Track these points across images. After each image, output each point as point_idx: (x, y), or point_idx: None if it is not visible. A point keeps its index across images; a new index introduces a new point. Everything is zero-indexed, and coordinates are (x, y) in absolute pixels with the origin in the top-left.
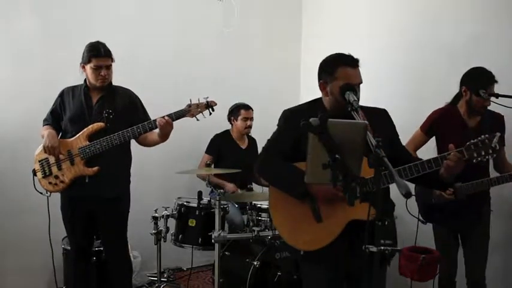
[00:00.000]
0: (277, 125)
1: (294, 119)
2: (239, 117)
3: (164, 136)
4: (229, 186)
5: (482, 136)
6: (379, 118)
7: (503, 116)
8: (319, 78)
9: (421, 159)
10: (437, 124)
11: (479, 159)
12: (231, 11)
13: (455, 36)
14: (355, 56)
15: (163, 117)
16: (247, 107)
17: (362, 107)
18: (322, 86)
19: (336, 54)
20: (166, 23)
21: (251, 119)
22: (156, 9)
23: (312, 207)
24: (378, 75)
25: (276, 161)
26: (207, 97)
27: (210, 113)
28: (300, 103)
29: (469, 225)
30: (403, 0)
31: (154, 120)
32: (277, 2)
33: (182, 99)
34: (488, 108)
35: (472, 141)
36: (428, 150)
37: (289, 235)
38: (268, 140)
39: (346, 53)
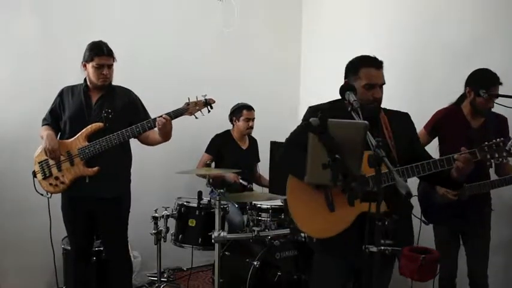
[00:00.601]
0: (302, 119)
1: (315, 114)
2: (241, 118)
3: (165, 135)
4: (230, 175)
5: (497, 139)
6: (402, 121)
7: (506, 118)
8: (345, 78)
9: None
10: (441, 124)
11: (492, 161)
12: (231, 11)
13: (456, 36)
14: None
15: (161, 116)
16: (250, 108)
17: (385, 109)
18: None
19: (362, 55)
20: (166, 23)
21: (253, 119)
22: (156, 9)
23: (325, 196)
24: None
25: (295, 151)
26: (205, 95)
27: (209, 111)
28: (300, 103)
29: (471, 225)
30: (405, 0)
31: (154, 119)
32: (277, 1)
33: (182, 99)
34: (492, 109)
35: (486, 143)
36: (430, 150)
37: (303, 223)
38: (291, 132)
39: (372, 55)
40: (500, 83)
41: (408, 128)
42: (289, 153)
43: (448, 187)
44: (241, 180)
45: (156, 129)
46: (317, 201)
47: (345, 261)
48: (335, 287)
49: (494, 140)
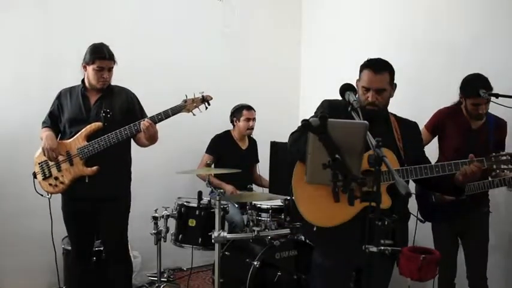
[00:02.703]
0: (315, 112)
1: (328, 108)
2: (241, 118)
3: (150, 138)
4: (228, 188)
5: (504, 151)
6: (410, 129)
7: (506, 122)
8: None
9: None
10: (442, 123)
11: (497, 171)
12: (231, 11)
13: (456, 36)
14: (356, 57)
15: (158, 114)
16: (250, 108)
17: (395, 116)
18: (356, 84)
19: (369, 58)
20: (166, 22)
21: (253, 119)
22: (156, 9)
23: (332, 186)
24: None
25: (304, 136)
26: (202, 92)
27: (206, 108)
28: (300, 104)
29: (469, 225)
30: (405, 1)
31: (152, 117)
32: (277, 1)
33: (181, 98)
34: (493, 112)
35: (493, 153)
36: (430, 150)
37: (307, 210)
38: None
39: (376, 58)
40: (491, 88)
41: (416, 137)
42: (297, 141)
43: (449, 193)
44: (237, 192)
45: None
46: (323, 189)
47: (345, 255)
48: (337, 284)
49: (501, 152)
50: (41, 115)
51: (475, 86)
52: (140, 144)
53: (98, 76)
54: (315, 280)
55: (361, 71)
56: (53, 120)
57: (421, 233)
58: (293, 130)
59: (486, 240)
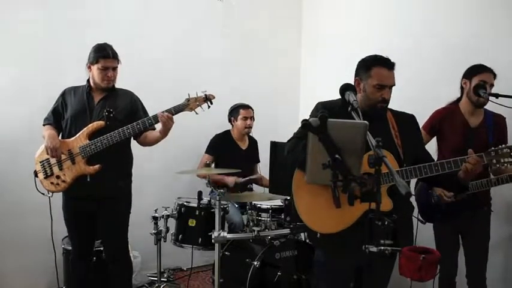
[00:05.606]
0: (310, 115)
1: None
2: (239, 117)
3: (165, 132)
4: (230, 179)
5: (503, 145)
6: (408, 122)
7: (505, 118)
8: (356, 75)
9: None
10: (439, 123)
11: (497, 165)
12: (231, 12)
13: (457, 37)
14: (356, 57)
15: (163, 112)
16: (247, 107)
17: (392, 110)
18: (357, 83)
19: (375, 55)
20: (166, 23)
21: (251, 118)
22: (156, 9)
23: (333, 192)
24: None
25: (301, 143)
26: (205, 90)
27: (209, 106)
28: (300, 104)
29: (470, 224)
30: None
31: (154, 116)
32: (277, 2)
33: (182, 99)
34: (491, 109)
35: (493, 148)
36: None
37: (309, 217)
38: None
39: (385, 56)
40: (495, 74)
41: (414, 129)
42: (294, 147)
43: (453, 190)
44: (241, 179)
45: (156, 127)
46: (323, 196)
47: (346, 259)
48: (340, 284)
49: (500, 146)
50: (42, 114)
51: (482, 65)
52: (147, 141)
53: (102, 75)
54: (317, 279)
55: (369, 68)
56: (56, 117)
57: (421, 233)
58: (292, 132)
59: (487, 240)
